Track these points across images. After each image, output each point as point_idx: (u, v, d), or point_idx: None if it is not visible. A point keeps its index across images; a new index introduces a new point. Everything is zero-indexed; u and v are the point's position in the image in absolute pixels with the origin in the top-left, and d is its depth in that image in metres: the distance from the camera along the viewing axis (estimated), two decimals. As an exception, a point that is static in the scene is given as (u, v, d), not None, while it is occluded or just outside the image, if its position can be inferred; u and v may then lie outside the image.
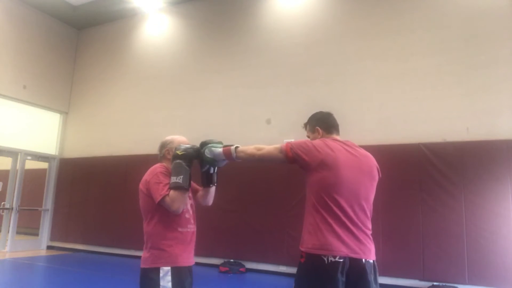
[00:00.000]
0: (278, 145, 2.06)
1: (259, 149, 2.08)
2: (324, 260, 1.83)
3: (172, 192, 2.10)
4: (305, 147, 2.00)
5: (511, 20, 5.71)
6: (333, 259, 1.83)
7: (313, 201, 1.95)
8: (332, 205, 1.89)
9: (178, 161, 2.13)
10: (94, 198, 8.64)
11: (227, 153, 2.13)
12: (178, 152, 2.16)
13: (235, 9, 8.00)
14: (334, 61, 6.83)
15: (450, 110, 5.84)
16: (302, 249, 1.93)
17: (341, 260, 1.83)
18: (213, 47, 8.08)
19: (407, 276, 5.61)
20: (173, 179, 2.11)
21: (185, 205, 2.23)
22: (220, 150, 2.15)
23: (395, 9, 6.53)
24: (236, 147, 2.12)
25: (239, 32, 7.87)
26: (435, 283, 5.38)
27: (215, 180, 2.38)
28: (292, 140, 2.11)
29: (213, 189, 2.44)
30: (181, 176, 2.10)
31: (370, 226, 1.98)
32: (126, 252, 7.82)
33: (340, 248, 1.84)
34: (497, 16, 5.79)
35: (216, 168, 2.33)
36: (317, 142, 2.05)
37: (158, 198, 2.11)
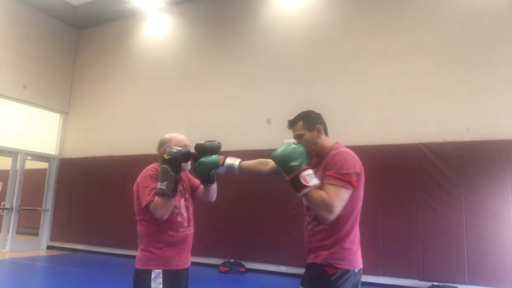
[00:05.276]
0: (339, 187, 1.79)
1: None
2: (355, 270, 1.87)
3: (156, 199, 2.04)
4: (357, 164, 1.86)
5: (511, 20, 5.71)
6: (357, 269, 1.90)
7: (342, 214, 1.82)
8: (356, 218, 1.92)
9: (164, 165, 2.05)
10: (94, 198, 8.64)
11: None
12: (165, 156, 2.07)
13: (235, 9, 8.00)
14: (334, 61, 6.83)
15: (450, 110, 5.84)
16: (334, 263, 1.82)
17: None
18: (213, 47, 8.08)
19: (407, 276, 5.61)
20: (158, 185, 2.04)
21: (178, 208, 2.18)
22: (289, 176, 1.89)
23: (395, 9, 6.53)
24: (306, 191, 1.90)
25: (239, 32, 7.87)
26: (435, 283, 5.38)
27: (215, 178, 2.30)
28: (292, 140, 2.04)
29: (214, 186, 2.36)
30: (166, 183, 2.02)
31: None
32: (126, 252, 7.82)
33: (359, 261, 1.91)
34: (497, 16, 5.79)
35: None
36: (351, 152, 1.92)
37: (143, 204, 2.09)
